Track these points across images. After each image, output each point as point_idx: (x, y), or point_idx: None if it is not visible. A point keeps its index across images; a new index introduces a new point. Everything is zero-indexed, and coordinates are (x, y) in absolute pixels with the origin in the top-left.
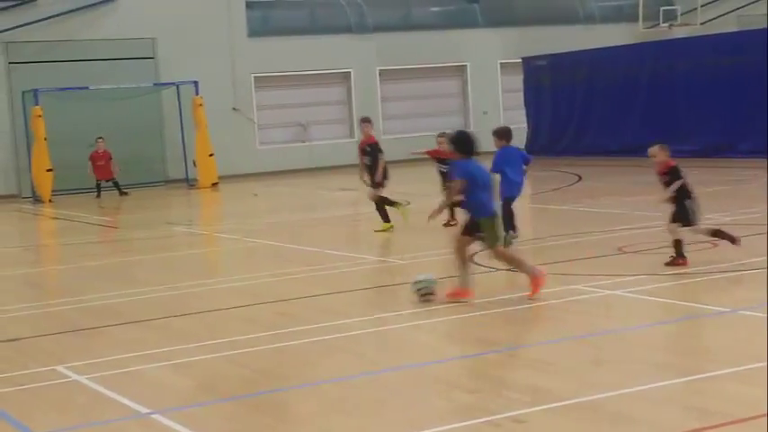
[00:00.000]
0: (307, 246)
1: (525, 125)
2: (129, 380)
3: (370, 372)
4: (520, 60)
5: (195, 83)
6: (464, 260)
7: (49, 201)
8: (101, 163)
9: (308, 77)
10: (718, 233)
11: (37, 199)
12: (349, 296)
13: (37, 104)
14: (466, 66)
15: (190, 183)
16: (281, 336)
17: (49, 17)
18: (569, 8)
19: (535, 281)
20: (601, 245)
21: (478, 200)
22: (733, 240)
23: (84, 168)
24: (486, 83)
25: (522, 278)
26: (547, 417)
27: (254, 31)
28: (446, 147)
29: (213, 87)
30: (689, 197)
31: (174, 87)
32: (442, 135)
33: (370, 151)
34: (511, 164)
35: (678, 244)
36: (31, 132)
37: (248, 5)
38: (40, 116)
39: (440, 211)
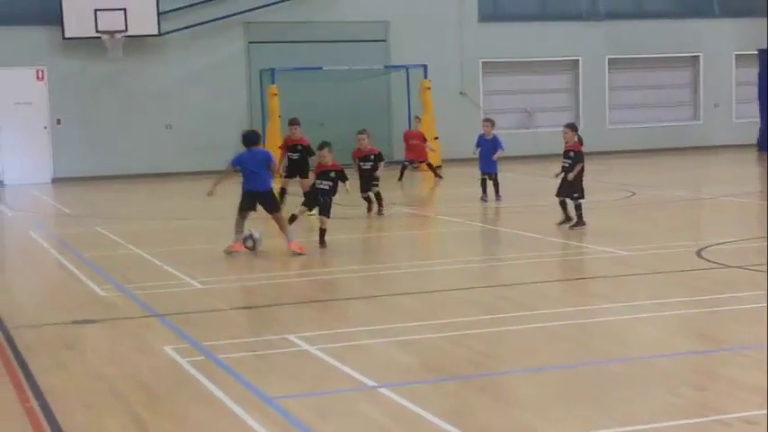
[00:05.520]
0: (527, 232)
1: (758, 119)
2: (356, 353)
3: (594, 361)
4: (756, 52)
5: (424, 66)
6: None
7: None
8: (414, 142)
9: (536, 64)
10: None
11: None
12: (570, 284)
13: (273, 83)
14: (699, 56)
15: (413, 165)
16: (502, 320)
17: None
18: None
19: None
20: None
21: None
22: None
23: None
24: (720, 74)
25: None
26: None
27: (485, 16)
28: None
29: (441, 71)
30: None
31: (404, 70)
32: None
33: (302, 149)
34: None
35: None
36: (266, 110)
37: None
38: (275, 95)
39: None
